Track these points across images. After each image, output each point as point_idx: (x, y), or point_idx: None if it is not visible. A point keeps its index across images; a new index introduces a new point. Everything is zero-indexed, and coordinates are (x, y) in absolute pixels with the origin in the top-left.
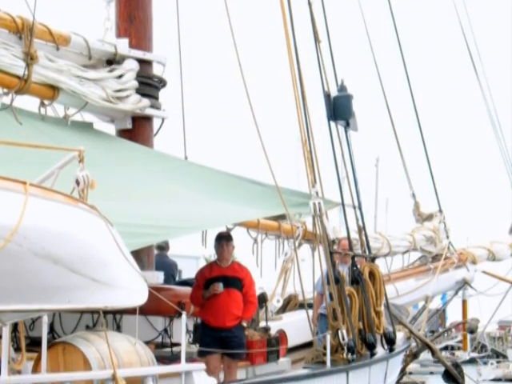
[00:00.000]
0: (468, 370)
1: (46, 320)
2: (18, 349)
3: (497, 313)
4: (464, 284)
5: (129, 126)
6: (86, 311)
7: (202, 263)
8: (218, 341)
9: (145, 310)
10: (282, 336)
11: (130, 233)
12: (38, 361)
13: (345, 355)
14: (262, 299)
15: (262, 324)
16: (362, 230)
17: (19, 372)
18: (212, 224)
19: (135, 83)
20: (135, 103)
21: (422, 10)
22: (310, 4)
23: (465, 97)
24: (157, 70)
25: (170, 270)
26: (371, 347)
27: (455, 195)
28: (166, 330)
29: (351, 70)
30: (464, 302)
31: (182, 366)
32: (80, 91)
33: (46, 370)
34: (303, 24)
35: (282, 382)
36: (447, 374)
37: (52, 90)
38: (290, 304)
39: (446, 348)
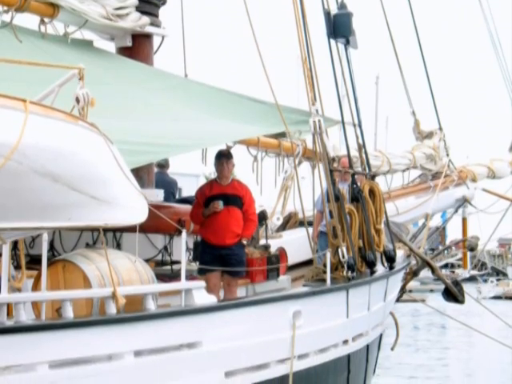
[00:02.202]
0: (468, 288)
1: (45, 238)
2: (17, 267)
3: (497, 230)
4: (464, 202)
5: (129, 43)
6: (86, 229)
7: (202, 181)
8: (218, 259)
9: (145, 228)
10: (281, 254)
11: (130, 151)
12: (37, 279)
13: (345, 273)
14: (262, 217)
15: (262, 242)
16: (361, 147)
17: (19, 290)
18: (212, 142)
19: (135, 1)
20: (135, 21)
21: None
22: None
23: (465, 14)
24: None
25: (169, 187)
26: (371, 265)
27: (455, 113)
28: (165, 248)
29: None
30: (464, 220)
31: (182, 283)
32: (80, 9)
33: (46, 288)
34: None
35: (282, 300)
36: (447, 292)
37: (52, 8)
38: (290, 222)
39: (445, 266)
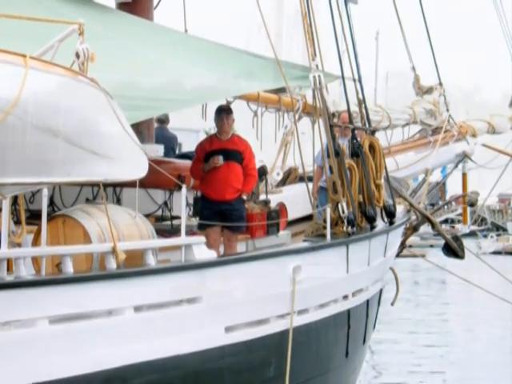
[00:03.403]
0: (468, 243)
1: (45, 193)
2: (17, 222)
3: (496, 186)
4: (464, 157)
5: None
6: (86, 184)
7: (202, 136)
8: (218, 214)
9: (145, 183)
10: (281, 209)
11: (130, 106)
12: (37, 234)
13: (345, 228)
14: (262, 172)
15: (262, 197)
16: (361, 103)
17: (19, 245)
18: (212, 97)
19: None
20: None
21: None
22: None
23: None
24: None
25: (169, 143)
26: (371, 220)
27: (455, 68)
28: (165, 203)
29: None
30: (464, 175)
31: (182, 239)
32: None
33: (46, 243)
34: None
35: (283, 255)
36: (447, 247)
37: None
38: (290, 177)
39: (445, 221)
